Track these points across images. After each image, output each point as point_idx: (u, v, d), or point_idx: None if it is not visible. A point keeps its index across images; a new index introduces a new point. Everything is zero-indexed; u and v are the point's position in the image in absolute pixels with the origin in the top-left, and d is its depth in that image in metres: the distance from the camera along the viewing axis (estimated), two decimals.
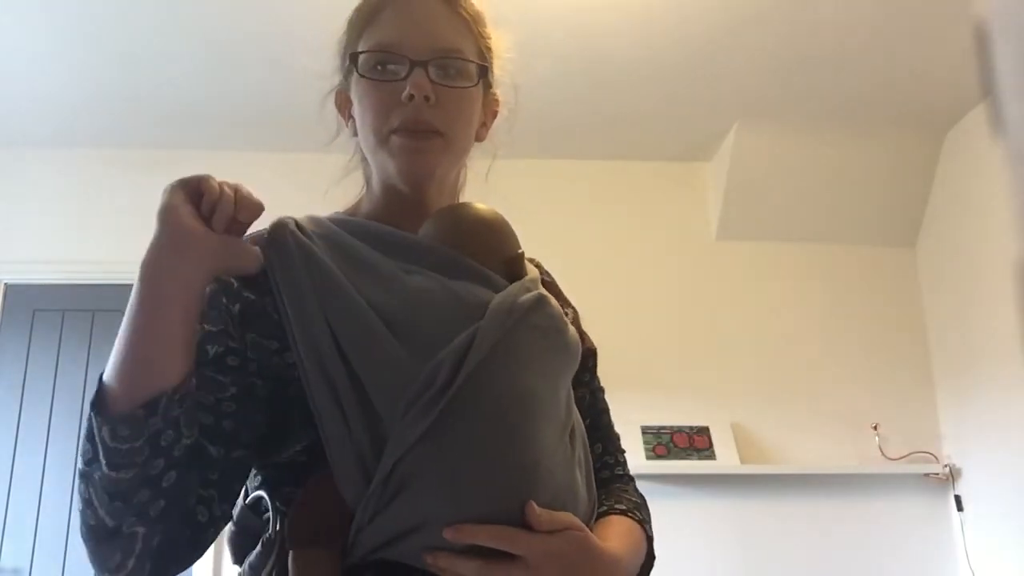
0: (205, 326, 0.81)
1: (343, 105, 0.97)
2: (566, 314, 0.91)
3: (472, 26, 0.93)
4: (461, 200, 1.00)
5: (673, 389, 3.35)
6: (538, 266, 1.02)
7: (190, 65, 3.01)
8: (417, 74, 0.87)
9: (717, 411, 3.34)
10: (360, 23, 0.93)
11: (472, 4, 0.95)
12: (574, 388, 0.90)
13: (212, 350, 0.80)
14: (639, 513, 0.91)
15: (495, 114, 1.00)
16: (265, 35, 2.81)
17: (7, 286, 3.48)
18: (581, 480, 0.83)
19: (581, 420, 0.90)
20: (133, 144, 3.58)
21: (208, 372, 0.79)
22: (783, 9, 2.69)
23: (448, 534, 0.71)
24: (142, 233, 3.25)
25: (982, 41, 0.26)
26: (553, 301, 0.88)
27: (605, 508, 0.89)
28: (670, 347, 3.44)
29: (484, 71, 0.92)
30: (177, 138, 3.54)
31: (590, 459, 0.89)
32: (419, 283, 0.82)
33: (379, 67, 0.89)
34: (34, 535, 3.21)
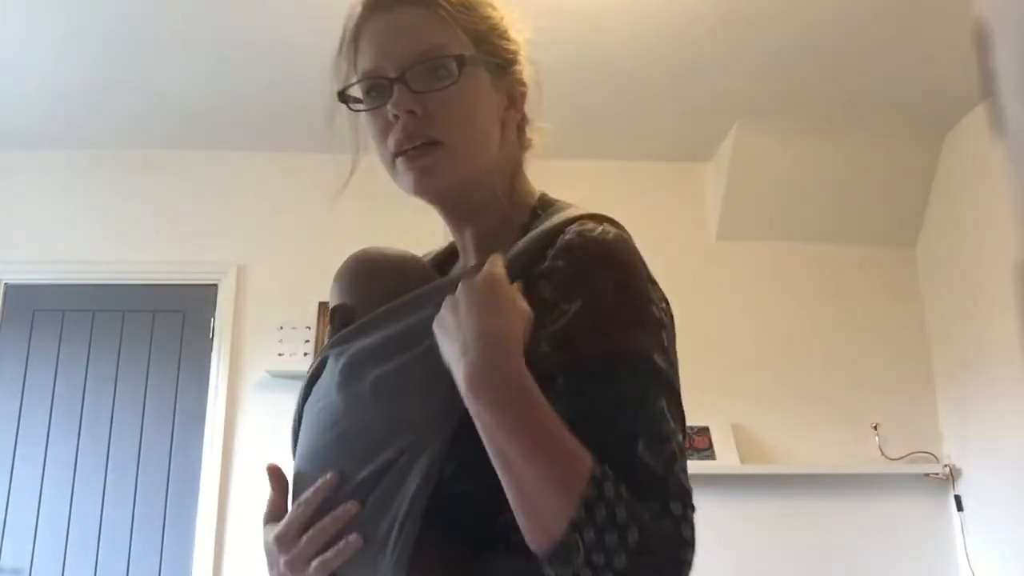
0: None
1: None
2: (565, 311, 0.73)
3: (457, 16, 0.86)
4: (525, 193, 0.94)
5: None
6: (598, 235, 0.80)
7: (190, 66, 3.01)
8: (397, 91, 0.83)
9: (717, 411, 3.34)
10: (347, 59, 0.91)
11: None
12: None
13: None
14: (603, 472, 0.65)
15: (523, 94, 0.93)
16: (265, 35, 2.81)
17: (7, 286, 3.48)
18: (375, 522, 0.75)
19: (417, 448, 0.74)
20: (133, 145, 3.58)
21: None
22: (783, 10, 2.69)
23: None
24: (142, 233, 3.29)
25: (982, 41, 0.26)
26: (355, 357, 0.83)
27: None
28: None
29: (463, 60, 0.84)
30: (177, 138, 3.54)
31: (418, 497, 0.73)
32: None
33: (370, 94, 0.87)
34: (34, 535, 3.21)
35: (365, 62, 0.87)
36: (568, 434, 0.67)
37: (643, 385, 0.71)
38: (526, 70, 0.93)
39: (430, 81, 0.84)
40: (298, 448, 0.86)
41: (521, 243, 0.83)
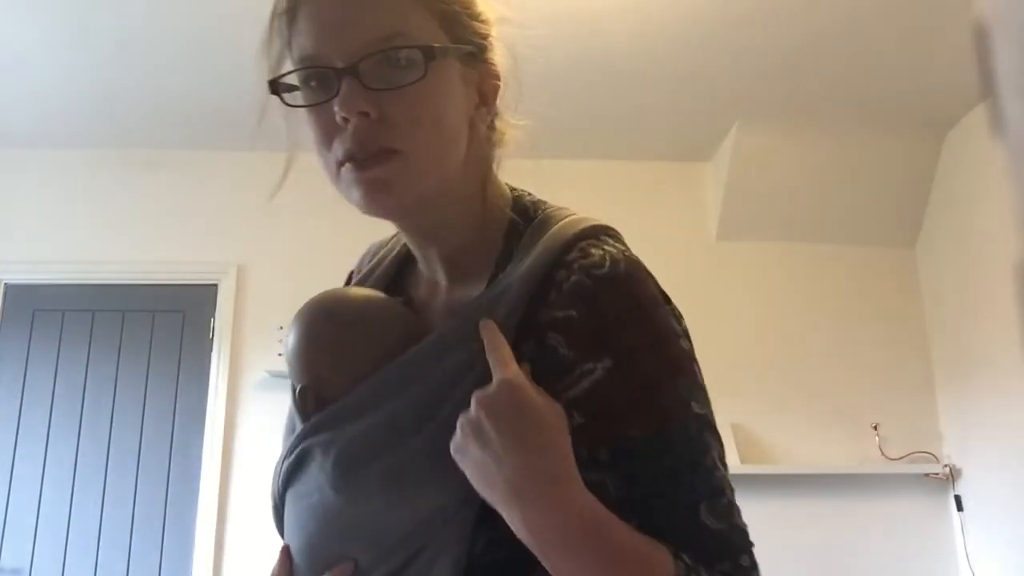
0: None
1: None
2: (590, 371, 0.66)
3: None
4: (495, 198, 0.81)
5: None
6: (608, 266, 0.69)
7: (191, 66, 3.01)
8: (346, 87, 0.67)
9: (717, 411, 3.32)
10: (280, 36, 0.73)
11: None
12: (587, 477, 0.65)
13: None
14: (686, 567, 0.63)
15: (495, 88, 0.77)
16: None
17: (7, 286, 3.48)
18: None
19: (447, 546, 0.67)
20: (134, 144, 3.58)
21: None
22: (783, 10, 2.69)
23: None
24: (142, 233, 3.28)
25: (982, 41, 0.26)
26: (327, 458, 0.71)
27: None
28: None
29: (431, 53, 0.69)
30: (177, 138, 3.54)
31: None
32: None
33: (311, 85, 0.71)
34: (34, 535, 3.21)
35: (304, 44, 0.70)
36: (642, 541, 0.63)
37: (694, 446, 0.67)
38: (498, 54, 0.78)
39: (389, 75, 0.68)
40: (290, 541, 0.75)
41: (514, 287, 0.70)
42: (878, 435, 3.40)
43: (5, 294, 3.47)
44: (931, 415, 3.47)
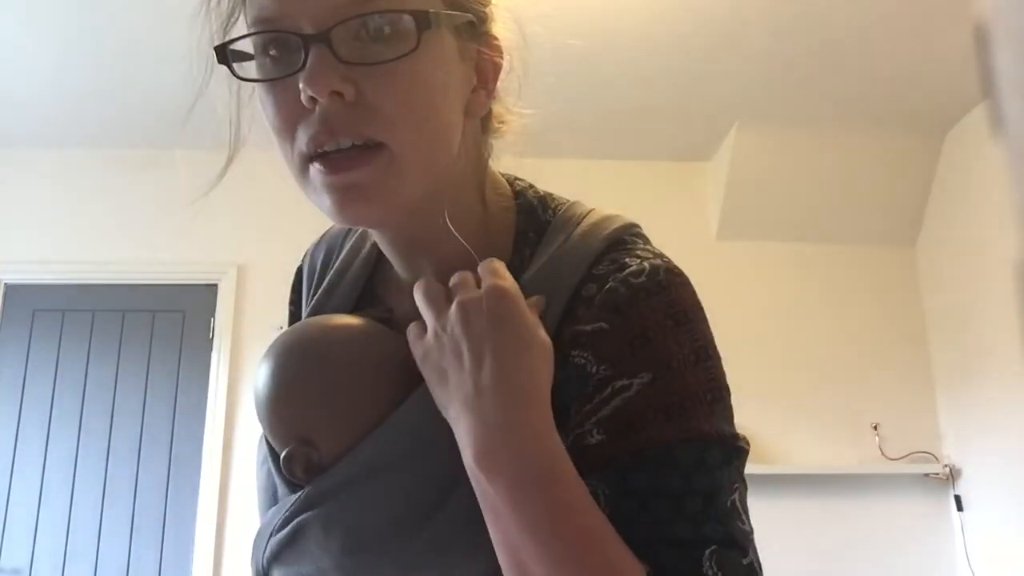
0: None
1: None
2: (625, 387, 0.55)
3: None
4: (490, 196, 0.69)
5: None
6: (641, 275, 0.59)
7: (191, 65, 3.01)
8: (315, 58, 0.53)
9: None
10: None
11: None
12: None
13: None
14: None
15: (497, 66, 0.63)
16: None
17: (7, 286, 3.48)
18: None
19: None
20: (133, 144, 3.58)
21: None
22: (783, 9, 2.69)
23: None
24: (142, 233, 3.29)
25: (982, 41, 0.26)
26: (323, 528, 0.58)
27: None
28: None
29: (426, 20, 0.54)
30: (177, 138, 3.53)
31: None
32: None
33: (270, 54, 0.57)
34: (34, 535, 3.21)
35: (263, 1, 0.56)
36: (613, 536, 0.51)
37: (712, 476, 0.55)
38: (500, 25, 0.64)
39: (370, 47, 0.54)
40: None
41: (546, 310, 0.59)
42: (878, 435, 3.40)
43: (5, 294, 3.47)
44: (931, 415, 3.47)
